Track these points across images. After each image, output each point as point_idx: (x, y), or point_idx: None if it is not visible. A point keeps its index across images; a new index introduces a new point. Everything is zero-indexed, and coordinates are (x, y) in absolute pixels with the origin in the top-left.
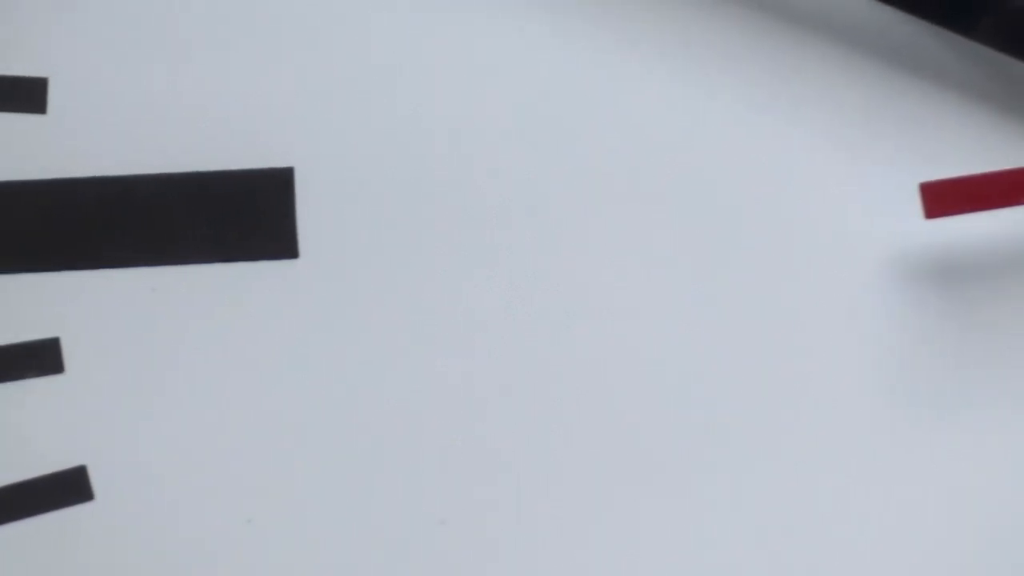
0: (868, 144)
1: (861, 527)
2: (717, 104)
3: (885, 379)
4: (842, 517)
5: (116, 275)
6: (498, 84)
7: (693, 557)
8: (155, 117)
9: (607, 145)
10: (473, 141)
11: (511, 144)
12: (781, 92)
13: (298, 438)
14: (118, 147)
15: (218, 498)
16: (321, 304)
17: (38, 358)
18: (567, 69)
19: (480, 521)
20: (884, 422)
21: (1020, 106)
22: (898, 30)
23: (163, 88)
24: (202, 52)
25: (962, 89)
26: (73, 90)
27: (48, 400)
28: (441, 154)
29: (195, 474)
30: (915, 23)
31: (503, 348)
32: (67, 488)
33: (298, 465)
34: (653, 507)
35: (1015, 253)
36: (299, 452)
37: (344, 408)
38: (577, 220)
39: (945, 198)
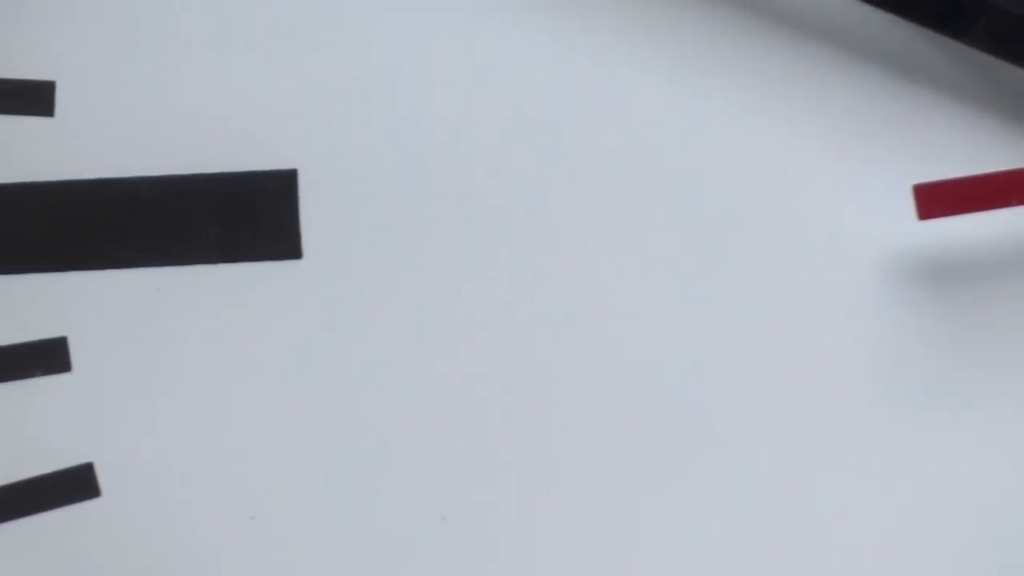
0: (862, 146)
1: (857, 525)
2: (713, 106)
3: (879, 378)
4: (838, 516)
5: (122, 275)
6: (498, 86)
7: (691, 552)
8: (160, 120)
9: (606, 146)
10: (474, 142)
11: (512, 145)
12: (777, 94)
13: (301, 436)
14: (124, 149)
15: (221, 495)
16: (324, 303)
17: (46, 357)
18: (567, 70)
19: (481, 518)
20: (877, 421)
21: (1012, 108)
22: (891, 34)
23: (168, 91)
24: (207, 56)
25: (955, 92)
26: (80, 93)
27: (55, 398)
28: (442, 155)
29: (198, 471)
30: (908, 27)
31: (503, 348)
32: (74, 485)
33: (301, 462)
34: (651, 504)
35: (1008, 253)
36: (302, 449)
37: (346, 406)
38: (577, 220)
39: (938, 199)
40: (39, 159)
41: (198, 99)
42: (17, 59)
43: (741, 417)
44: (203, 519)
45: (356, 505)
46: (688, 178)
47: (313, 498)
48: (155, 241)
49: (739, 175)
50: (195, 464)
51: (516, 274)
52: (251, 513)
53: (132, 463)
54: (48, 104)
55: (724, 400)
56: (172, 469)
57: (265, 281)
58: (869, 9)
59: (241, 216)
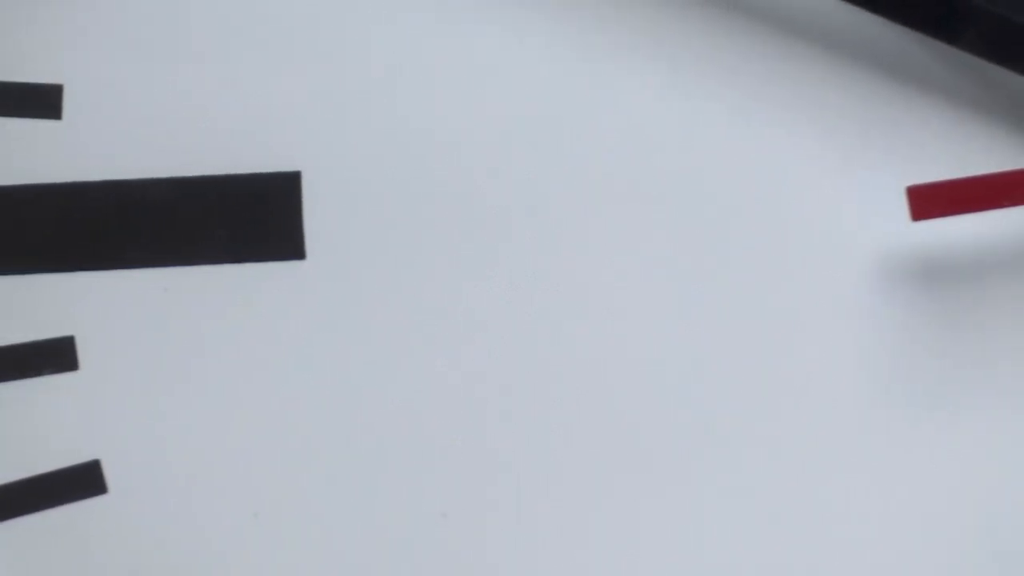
0: (858, 148)
1: (855, 525)
2: (711, 108)
3: (873, 377)
4: (837, 515)
5: (129, 275)
6: (499, 87)
7: (691, 551)
8: (166, 122)
9: (605, 146)
10: (475, 143)
11: (512, 146)
12: (773, 97)
13: (304, 434)
14: (130, 152)
15: (225, 492)
16: (327, 303)
17: (53, 356)
18: (567, 72)
19: (481, 515)
20: (875, 420)
21: (1004, 111)
22: (886, 38)
23: (173, 94)
24: (212, 60)
25: (948, 95)
26: (87, 97)
27: (63, 396)
28: (443, 156)
29: (203, 468)
30: (902, 31)
31: (503, 347)
32: (81, 482)
33: (304, 460)
34: (651, 503)
35: (1000, 254)
36: (305, 448)
37: (349, 404)
38: (577, 220)
39: (931, 201)
40: (47, 161)
41: (203, 102)
42: (25, 63)
43: (740, 417)
44: (207, 516)
45: (358, 502)
46: (686, 179)
47: (316, 495)
48: (161, 242)
49: (736, 176)
50: (200, 461)
51: (516, 274)
52: (255, 510)
53: (138, 461)
54: (56, 107)
55: (723, 400)
56: (177, 466)
57: (269, 281)
58: (863, 13)
59: (246, 217)
